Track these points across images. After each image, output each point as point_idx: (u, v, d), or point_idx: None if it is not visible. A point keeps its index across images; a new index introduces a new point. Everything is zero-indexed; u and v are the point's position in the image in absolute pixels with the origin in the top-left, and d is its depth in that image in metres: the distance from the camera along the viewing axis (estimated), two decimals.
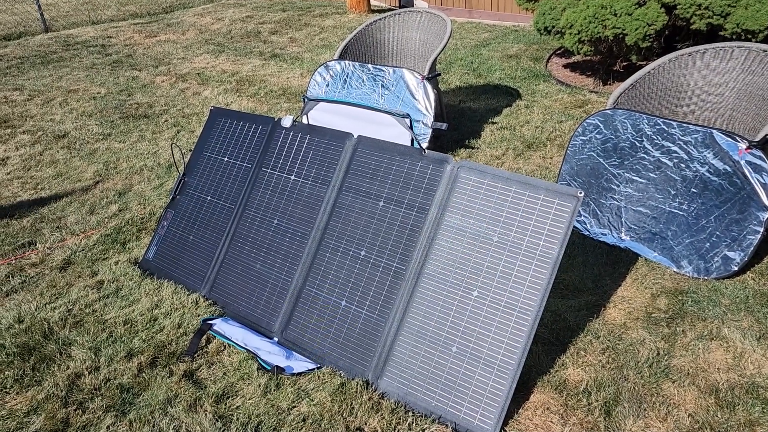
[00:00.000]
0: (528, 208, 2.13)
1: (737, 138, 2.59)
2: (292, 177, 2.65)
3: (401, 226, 2.33)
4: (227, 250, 2.71)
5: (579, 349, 2.31)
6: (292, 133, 2.74)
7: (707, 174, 2.67)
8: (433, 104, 3.87)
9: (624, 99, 3.11)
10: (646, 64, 5.23)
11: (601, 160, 3.01)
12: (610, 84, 5.25)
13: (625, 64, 5.44)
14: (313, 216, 2.53)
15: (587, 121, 3.07)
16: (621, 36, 4.52)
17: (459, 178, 2.28)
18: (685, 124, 2.74)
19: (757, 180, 2.52)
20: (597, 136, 3.03)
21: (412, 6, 8.65)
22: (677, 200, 2.76)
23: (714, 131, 2.65)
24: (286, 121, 2.76)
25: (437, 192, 2.30)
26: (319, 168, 2.60)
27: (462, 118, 4.72)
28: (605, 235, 2.97)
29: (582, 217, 3.07)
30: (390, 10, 8.57)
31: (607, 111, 3.00)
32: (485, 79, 5.66)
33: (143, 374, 2.25)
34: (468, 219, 2.21)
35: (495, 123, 4.57)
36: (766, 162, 2.51)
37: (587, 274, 2.76)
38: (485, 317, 2.09)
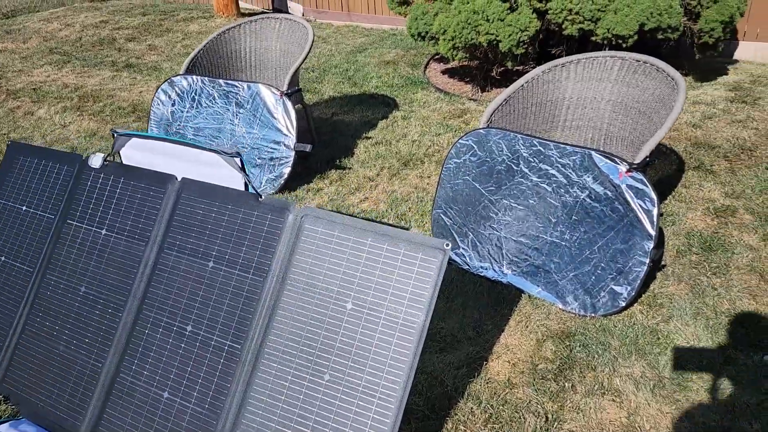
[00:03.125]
0: (387, 265, 1.75)
1: (617, 160, 2.35)
2: (103, 231, 2.12)
3: (235, 293, 1.87)
4: (24, 327, 2.14)
5: (458, 421, 1.96)
6: (102, 176, 2.20)
7: (588, 200, 2.41)
8: (294, 123, 3.43)
9: (498, 116, 2.82)
10: (523, 70, 5.07)
11: (477, 185, 2.70)
12: (488, 91, 5.04)
13: (501, 69, 5.26)
14: (129, 281, 2.02)
15: (460, 141, 2.75)
16: (495, 42, 4.30)
17: (304, 229, 1.85)
18: (562, 146, 2.48)
19: (640, 206, 2.29)
20: (471, 158, 2.72)
21: (287, 9, 8.15)
22: (558, 229, 2.49)
23: (593, 153, 2.40)
24: (96, 160, 2.22)
25: (277, 248, 1.86)
26: (136, 220, 2.08)
27: (334, 133, 4.31)
28: (486, 269, 2.66)
29: (461, 250, 2.74)
30: (263, 13, 8.02)
31: (480, 130, 2.70)
32: (361, 87, 5.29)
33: None
34: (316, 282, 1.80)
35: (370, 138, 4.20)
36: (647, 186, 2.28)
37: (467, 320, 2.43)
38: (341, 405, 1.68)
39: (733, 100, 4.45)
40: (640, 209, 2.29)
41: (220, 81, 3.56)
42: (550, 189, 2.51)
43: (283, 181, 3.44)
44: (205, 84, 3.58)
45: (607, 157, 2.37)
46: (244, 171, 2.01)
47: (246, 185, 2.05)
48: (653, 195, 2.27)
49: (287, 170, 3.43)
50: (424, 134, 4.21)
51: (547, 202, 2.51)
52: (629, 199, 2.31)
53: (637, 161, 2.33)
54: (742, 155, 3.65)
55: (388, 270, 1.74)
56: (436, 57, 6.04)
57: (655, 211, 2.26)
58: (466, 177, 2.74)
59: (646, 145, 2.33)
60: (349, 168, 3.78)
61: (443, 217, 2.80)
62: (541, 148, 2.53)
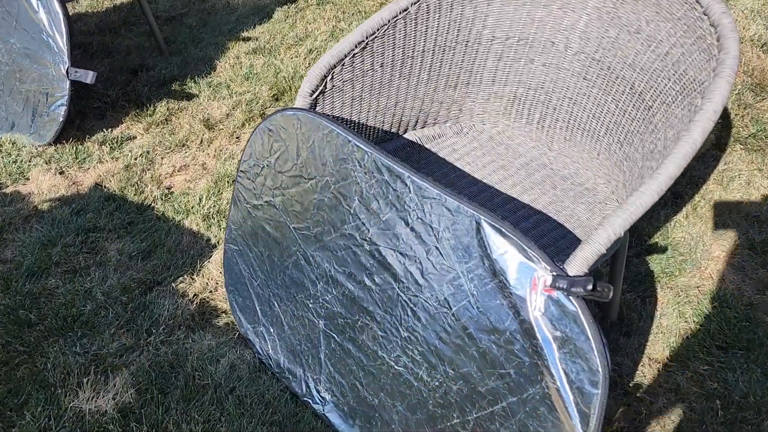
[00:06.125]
0: None
1: (531, 254, 0.98)
2: None
3: None
4: None
5: None
6: None
7: (462, 317, 1.09)
8: (65, 31, 2.04)
9: (346, 77, 1.40)
10: None
11: (287, 219, 1.38)
12: None
13: None
14: None
15: (260, 128, 1.38)
16: None
17: None
18: (429, 188, 1.11)
19: (565, 375, 0.97)
20: (279, 164, 1.37)
21: None
22: (410, 353, 1.20)
23: (483, 221, 1.04)
24: None
25: None
26: None
27: (201, 28, 2.87)
28: (294, 377, 1.43)
29: (261, 327, 1.49)
30: None
31: (291, 114, 1.31)
32: None
33: None
34: None
35: (249, 40, 2.76)
36: (588, 334, 0.94)
37: None
38: None
39: None
40: (567, 383, 0.97)
41: None
42: (400, 271, 1.18)
43: (58, 128, 2.13)
44: None
45: (507, 238, 1.00)
46: None
47: None
48: (598, 361, 0.93)
49: (62, 111, 2.10)
50: (335, 36, 2.74)
51: (391, 297, 1.20)
52: (545, 350, 0.99)
53: (571, 270, 0.96)
54: None
55: None
56: None
57: (597, 399, 0.95)
58: (270, 198, 1.40)
59: (602, 229, 0.94)
60: (192, 98, 2.41)
61: (238, 259, 1.52)
62: (388, 179, 1.17)
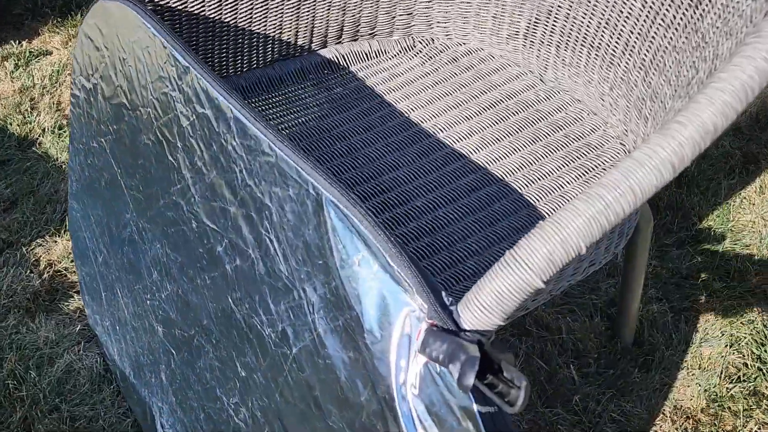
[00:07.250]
0: None
1: (400, 278, 0.48)
2: None
3: None
4: None
5: None
6: None
7: (305, 367, 0.61)
8: None
9: None
10: None
11: (117, 170, 0.91)
12: None
13: None
14: None
15: (80, 30, 0.90)
16: None
17: None
18: (261, 140, 0.61)
19: None
20: (102, 85, 0.89)
21: None
22: (248, 405, 0.73)
23: (325, 198, 0.53)
24: None
25: None
26: None
27: None
28: (139, 401, 0.99)
29: (107, 322, 1.06)
30: None
31: (109, 2, 0.82)
32: None
33: None
34: None
35: None
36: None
37: None
38: None
39: None
40: None
41: None
42: (230, 271, 0.70)
43: None
44: None
45: (364, 238, 0.50)
46: None
47: None
48: None
49: None
50: None
51: (225, 311, 0.72)
52: None
53: (473, 309, 0.45)
54: None
55: None
56: None
57: None
58: (101, 139, 0.94)
59: (523, 249, 0.43)
60: None
61: (81, 223, 1.08)
62: (209, 114, 0.67)
